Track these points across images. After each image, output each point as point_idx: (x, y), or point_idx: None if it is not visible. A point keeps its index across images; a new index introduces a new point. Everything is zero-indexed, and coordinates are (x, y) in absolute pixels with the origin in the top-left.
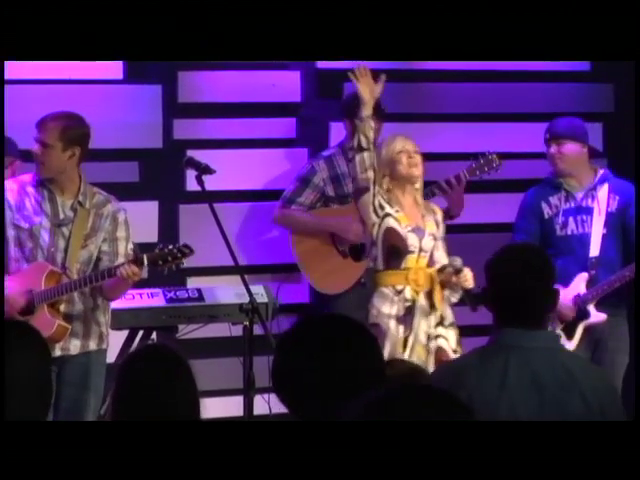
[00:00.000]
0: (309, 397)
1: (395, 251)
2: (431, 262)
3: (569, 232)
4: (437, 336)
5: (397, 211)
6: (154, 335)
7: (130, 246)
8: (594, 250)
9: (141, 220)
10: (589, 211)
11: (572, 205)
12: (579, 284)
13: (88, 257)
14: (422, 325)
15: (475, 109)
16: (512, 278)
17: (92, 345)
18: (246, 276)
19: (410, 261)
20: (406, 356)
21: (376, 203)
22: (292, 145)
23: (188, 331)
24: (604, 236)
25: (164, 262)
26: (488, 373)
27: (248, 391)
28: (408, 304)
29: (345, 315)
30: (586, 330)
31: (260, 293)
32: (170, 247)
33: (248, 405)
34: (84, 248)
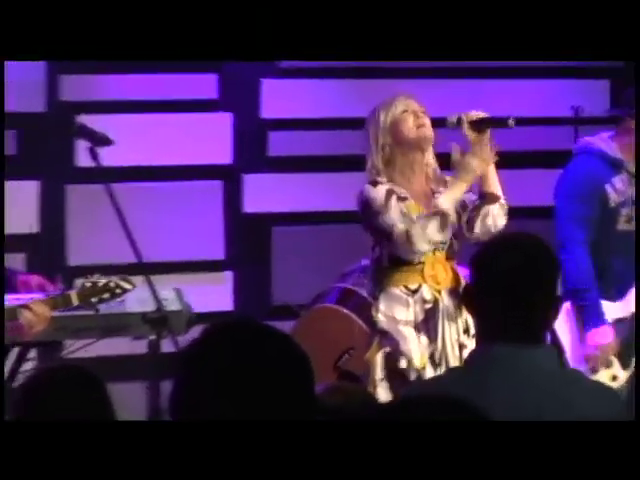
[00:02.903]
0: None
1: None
2: (451, 253)
3: (633, 227)
4: (466, 346)
5: (405, 197)
6: (33, 353)
7: None
8: None
9: (16, 204)
10: None
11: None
12: (633, 299)
13: None
14: (449, 332)
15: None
16: (505, 277)
17: None
18: (152, 277)
19: (425, 254)
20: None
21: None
22: (213, 108)
23: (76, 348)
24: None
25: (99, 300)
26: (470, 403)
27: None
28: (428, 306)
29: (255, 320)
30: None
31: (170, 298)
32: (104, 280)
33: None
34: None
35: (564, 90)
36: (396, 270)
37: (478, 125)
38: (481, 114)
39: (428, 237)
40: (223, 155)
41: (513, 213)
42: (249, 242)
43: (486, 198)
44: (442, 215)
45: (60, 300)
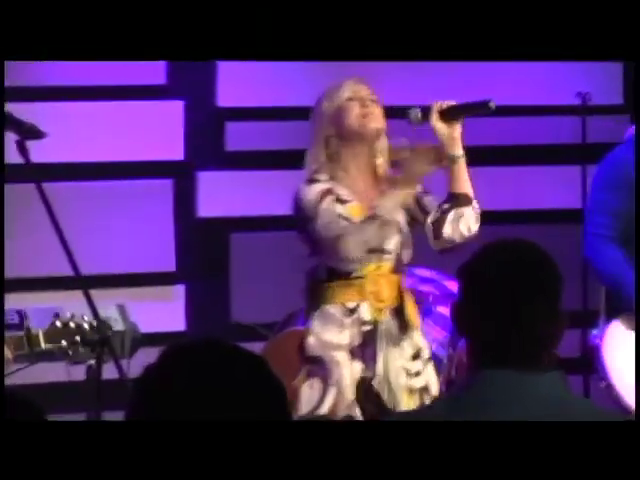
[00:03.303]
0: None
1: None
2: (398, 265)
3: None
4: (417, 373)
5: (347, 199)
6: None
7: None
8: None
9: None
10: None
11: None
12: None
13: None
14: (393, 358)
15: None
16: (499, 286)
17: None
18: (92, 292)
19: (367, 266)
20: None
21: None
22: (161, 95)
23: (4, 374)
24: None
25: (70, 343)
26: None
27: None
28: (367, 328)
29: (223, 341)
30: None
31: (113, 317)
32: (78, 321)
33: None
34: None
35: (568, 74)
36: (333, 285)
37: (451, 114)
38: (451, 102)
39: (364, 242)
40: (173, 150)
41: (508, 218)
42: (204, 251)
43: (457, 200)
44: (382, 219)
45: (24, 340)
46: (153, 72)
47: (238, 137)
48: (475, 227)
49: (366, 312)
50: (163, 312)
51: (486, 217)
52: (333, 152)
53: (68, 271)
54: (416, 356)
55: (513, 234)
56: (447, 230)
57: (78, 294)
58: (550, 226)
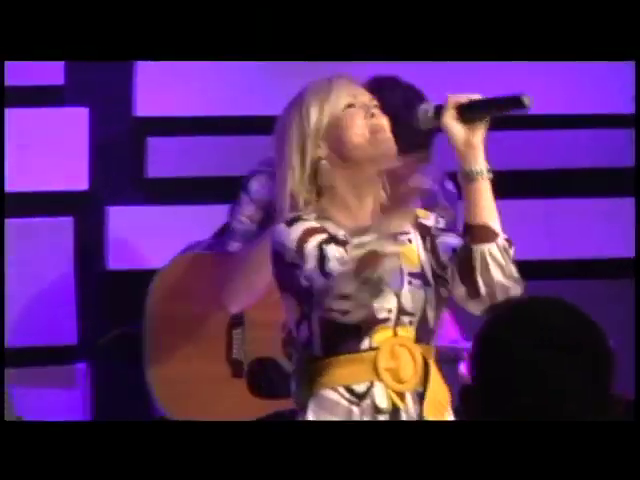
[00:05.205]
0: None
1: (346, 324)
2: (425, 332)
3: None
4: None
5: (344, 240)
6: None
7: None
8: None
9: None
10: None
11: None
12: None
13: None
14: None
15: None
16: (513, 366)
17: None
18: None
19: (380, 334)
20: None
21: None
22: (57, 101)
23: None
24: None
25: None
26: None
27: None
28: (383, 418)
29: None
30: None
31: None
32: None
33: None
34: None
35: (616, 74)
36: (334, 361)
37: (473, 112)
38: (474, 95)
39: (339, 290)
40: (74, 176)
41: (538, 271)
42: (116, 318)
43: (473, 235)
44: (368, 255)
45: None
46: (46, 69)
47: (163, 158)
48: (512, 272)
49: (381, 397)
50: (59, 400)
51: None
52: (324, 181)
53: None
54: None
55: (545, 292)
56: (482, 291)
57: None
58: (592, 281)
